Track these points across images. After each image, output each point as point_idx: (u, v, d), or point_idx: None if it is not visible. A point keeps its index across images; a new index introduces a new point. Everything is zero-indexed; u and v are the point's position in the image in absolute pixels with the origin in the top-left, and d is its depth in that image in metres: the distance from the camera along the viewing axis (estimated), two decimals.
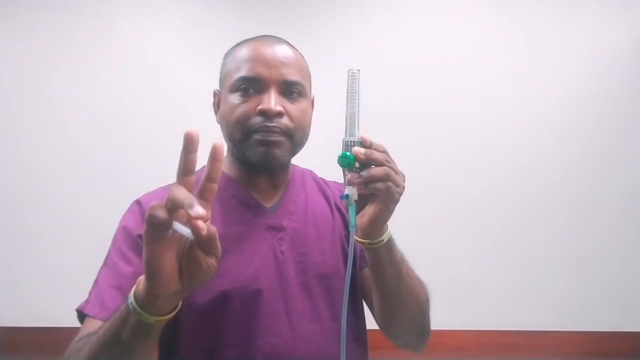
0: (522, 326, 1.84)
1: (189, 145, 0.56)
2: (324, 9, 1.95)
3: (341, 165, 0.71)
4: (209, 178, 0.58)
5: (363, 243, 0.76)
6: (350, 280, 0.73)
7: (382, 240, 0.75)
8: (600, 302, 1.85)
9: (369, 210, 0.73)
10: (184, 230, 0.55)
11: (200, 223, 0.53)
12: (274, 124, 0.82)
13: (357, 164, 0.70)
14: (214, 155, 0.58)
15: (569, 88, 1.91)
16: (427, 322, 0.89)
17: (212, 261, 0.58)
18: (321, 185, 0.99)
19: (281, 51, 0.86)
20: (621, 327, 1.84)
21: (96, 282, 0.82)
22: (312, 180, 0.99)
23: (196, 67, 1.89)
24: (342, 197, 0.71)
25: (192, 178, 0.57)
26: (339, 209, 0.95)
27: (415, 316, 0.86)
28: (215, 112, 0.93)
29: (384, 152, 0.72)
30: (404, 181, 0.73)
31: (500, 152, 1.90)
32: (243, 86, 0.84)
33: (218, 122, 0.90)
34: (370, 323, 0.93)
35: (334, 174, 0.86)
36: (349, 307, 0.72)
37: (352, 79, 0.72)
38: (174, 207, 0.54)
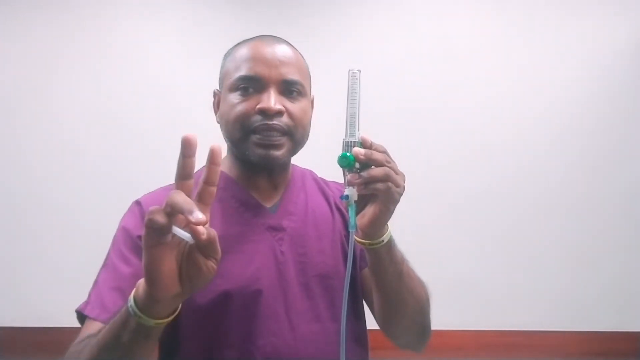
0: (522, 326, 1.84)
1: (187, 149, 0.56)
2: (324, 9, 1.95)
3: (341, 166, 0.71)
4: (207, 181, 0.58)
5: (363, 243, 0.76)
6: (351, 280, 0.73)
7: (383, 241, 0.75)
8: (600, 302, 1.85)
9: (369, 210, 0.73)
10: (184, 235, 0.55)
11: (200, 227, 0.53)
12: (274, 122, 0.82)
13: (357, 165, 0.70)
14: (212, 159, 0.58)
15: (569, 88, 1.91)
16: (428, 322, 0.89)
17: (211, 264, 0.59)
18: (321, 185, 0.99)
19: (281, 51, 0.86)
20: (621, 327, 1.84)
21: (96, 283, 0.82)
22: (312, 180, 0.99)
23: (196, 67, 1.89)
24: (342, 197, 0.71)
25: (191, 182, 0.58)
26: (339, 209, 0.95)
27: (416, 316, 0.86)
28: (215, 112, 0.92)
29: (384, 152, 0.72)
30: (404, 181, 0.73)
31: (500, 152, 1.90)
32: (243, 85, 0.84)
33: (218, 122, 0.90)
34: (371, 323, 0.93)
35: (334, 174, 0.86)
36: (349, 307, 0.72)
37: (353, 79, 0.72)
38: (173, 212, 0.54)
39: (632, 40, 1.92)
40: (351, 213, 0.72)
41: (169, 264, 0.57)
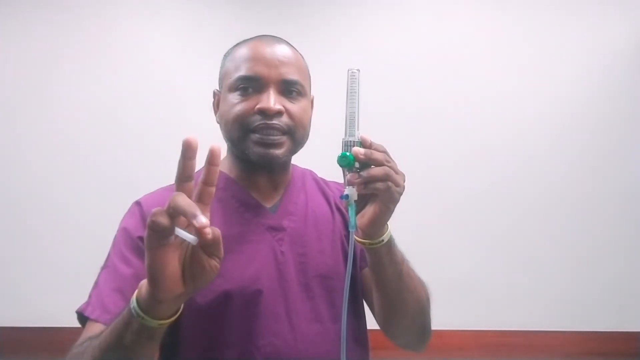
0: (522, 326, 1.84)
1: (188, 152, 0.56)
2: (324, 9, 1.95)
3: (341, 166, 0.71)
4: (206, 182, 0.58)
5: (363, 243, 0.76)
6: (351, 280, 0.73)
7: (382, 240, 0.75)
8: (599, 302, 1.85)
9: (369, 210, 0.73)
10: (187, 236, 0.55)
11: (206, 229, 0.53)
12: (273, 122, 0.82)
13: (357, 164, 0.70)
14: (211, 159, 0.58)
15: (569, 88, 1.91)
16: (428, 322, 0.89)
17: (215, 263, 0.59)
18: (321, 186, 0.99)
19: (280, 50, 0.86)
20: (621, 327, 1.84)
21: (96, 284, 0.82)
22: (312, 181, 0.99)
23: (196, 67, 1.89)
24: (342, 197, 0.71)
25: (192, 183, 0.58)
26: (339, 209, 0.95)
27: (416, 316, 0.86)
28: (215, 113, 0.92)
29: (384, 152, 0.72)
30: (404, 181, 0.73)
31: (500, 152, 1.90)
32: (242, 85, 0.84)
33: (218, 122, 0.90)
34: (371, 323, 0.93)
35: (334, 174, 0.86)
36: (350, 307, 0.72)
37: (352, 78, 0.72)
38: (175, 214, 0.54)
39: (632, 40, 1.92)
40: (351, 213, 0.72)
41: (172, 265, 0.57)
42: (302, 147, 0.89)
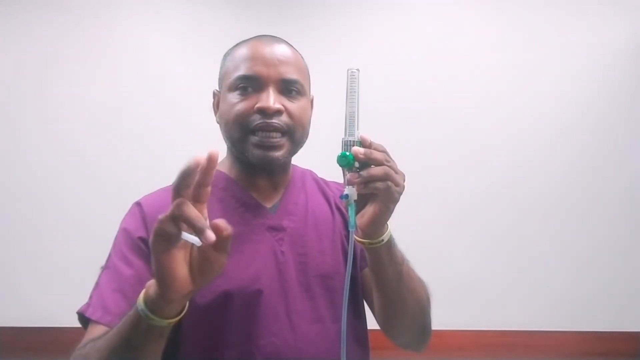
0: (522, 326, 1.84)
1: (212, 162, 0.56)
2: (324, 9, 1.95)
3: (340, 165, 0.71)
4: (203, 184, 0.58)
5: (363, 243, 0.76)
6: (351, 280, 0.73)
7: (382, 240, 0.75)
8: (599, 302, 1.85)
9: (369, 209, 0.73)
10: (193, 239, 0.57)
11: (222, 225, 0.56)
12: (273, 121, 0.82)
13: (356, 164, 0.70)
14: (207, 162, 0.57)
15: (569, 88, 1.91)
16: (428, 322, 0.89)
17: (222, 258, 0.60)
18: (321, 186, 0.99)
19: (280, 50, 0.86)
20: (620, 327, 1.84)
21: (97, 284, 0.82)
22: (312, 181, 0.99)
23: (196, 68, 1.89)
24: (341, 196, 0.71)
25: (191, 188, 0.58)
26: (339, 209, 0.95)
27: (416, 316, 0.86)
28: (215, 113, 0.92)
29: (384, 151, 0.71)
30: (404, 180, 0.73)
31: (500, 152, 1.90)
32: (242, 85, 0.84)
33: (218, 123, 0.90)
34: (371, 323, 0.93)
35: (334, 174, 0.86)
36: (350, 307, 0.72)
37: (352, 78, 0.72)
38: (183, 221, 0.55)
39: (631, 40, 1.92)
40: (351, 212, 0.72)
41: (180, 266, 0.59)
42: (301, 146, 0.89)
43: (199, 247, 0.59)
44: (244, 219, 0.87)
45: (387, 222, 0.76)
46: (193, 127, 1.80)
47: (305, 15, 1.95)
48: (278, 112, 0.82)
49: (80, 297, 0.82)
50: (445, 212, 1.89)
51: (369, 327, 0.95)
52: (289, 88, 0.85)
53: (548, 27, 1.93)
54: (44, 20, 1.94)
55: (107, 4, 1.95)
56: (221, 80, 0.91)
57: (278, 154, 0.84)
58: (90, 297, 0.81)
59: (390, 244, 0.77)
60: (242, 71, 0.84)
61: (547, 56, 1.92)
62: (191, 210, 0.55)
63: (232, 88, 0.85)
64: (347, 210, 0.73)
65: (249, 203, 0.88)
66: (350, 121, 0.71)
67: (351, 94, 0.72)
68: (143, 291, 0.63)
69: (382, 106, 1.87)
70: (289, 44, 0.90)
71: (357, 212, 0.73)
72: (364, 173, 0.69)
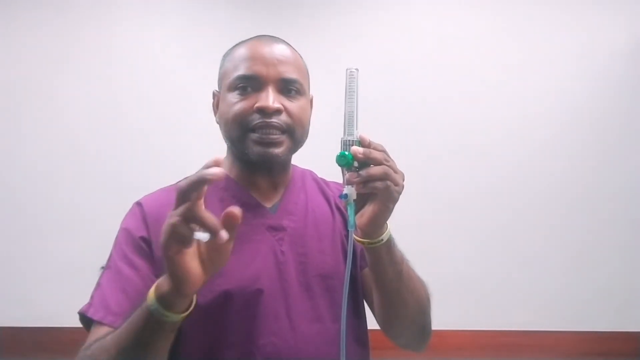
0: (522, 326, 1.84)
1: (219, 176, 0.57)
2: (324, 9, 1.95)
3: (340, 165, 0.71)
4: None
5: (363, 242, 0.76)
6: (351, 280, 0.73)
7: (382, 240, 0.75)
8: (599, 302, 1.85)
9: (369, 209, 0.73)
10: (203, 237, 0.59)
11: (238, 214, 0.60)
12: (272, 120, 0.82)
13: (355, 163, 0.70)
14: (208, 163, 0.58)
15: (568, 88, 1.91)
16: (428, 322, 0.89)
17: (229, 245, 0.62)
18: (321, 185, 0.99)
19: (279, 50, 0.86)
20: (620, 327, 1.84)
21: (99, 284, 0.82)
22: (312, 181, 0.99)
23: (196, 68, 1.89)
24: (341, 196, 0.71)
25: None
26: (339, 209, 0.95)
27: (416, 316, 0.86)
28: (215, 113, 0.93)
29: (383, 151, 0.72)
30: (403, 180, 0.73)
31: (498, 152, 1.90)
32: (241, 85, 0.85)
33: (217, 123, 0.90)
34: (371, 323, 0.93)
35: (334, 174, 0.86)
36: (350, 307, 0.73)
37: (351, 78, 0.72)
38: (194, 222, 0.57)
39: (631, 41, 1.92)
40: (350, 212, 0.72)
41: (194, 262, 0.61)
42: (301, 146, 0.89)
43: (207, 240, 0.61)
44: (244, 219, 0.87)
45: (387, 222, 0.76)
46: (193, 127, 1.81)
47: (304, 15, 1.95)
48: (277, 112, 0.83)
49: (80, 297, 0.82)
50: (445, 212, 1.89)
51: (369, 327, 0.94)
52: (288, 87, 0.85)
53: (548, 27, 1.93)
54: (44, 20, 1.94)
55: (107, 4, 1.95)
56: (220, 80, 0.91)
57: (278, 150, 0.84)
58: (92, 297, 0.81)
59: (389, 244, 0.77)
60: (241, 71, 0.84)
61: (546, 56, 1.92)
62: (204, 212, 0.57)
63: (232, 88, 0.86)
64: (346, 210, 0.73)
65: (249, 203, 0.88)
66: (349, 121, 0.71)
67: (350, 93, 0.72)
68: (152, 289, 0.64)
69: (381, 105, 1.87)
70: (288, 43, 0.90)
71: (356, 211, 0.73)
72: (363, 172, 0.69)
